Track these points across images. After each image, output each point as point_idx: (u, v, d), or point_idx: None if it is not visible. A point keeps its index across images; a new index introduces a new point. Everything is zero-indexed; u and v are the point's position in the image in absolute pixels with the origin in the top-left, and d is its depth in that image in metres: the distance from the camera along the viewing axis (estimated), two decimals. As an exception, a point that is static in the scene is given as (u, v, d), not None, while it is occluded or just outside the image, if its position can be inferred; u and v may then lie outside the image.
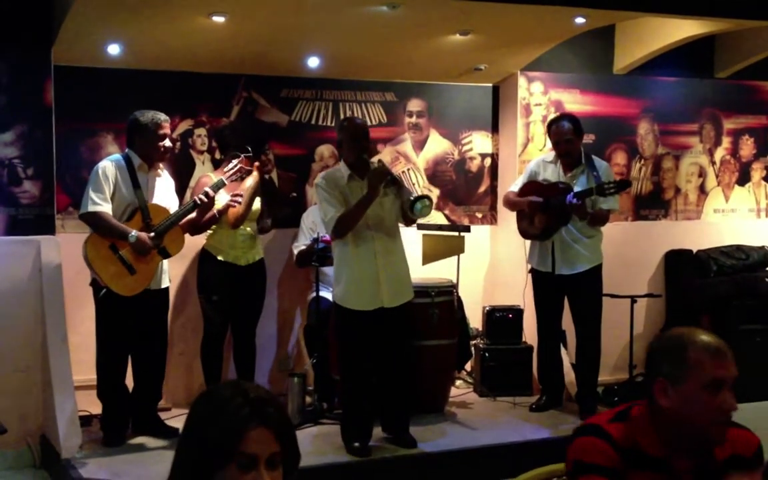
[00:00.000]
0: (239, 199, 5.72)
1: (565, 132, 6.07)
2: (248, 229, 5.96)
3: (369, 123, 6.74)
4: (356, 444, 5.29)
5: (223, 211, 5.71)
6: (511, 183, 6.54)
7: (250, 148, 5.95)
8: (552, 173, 6.15)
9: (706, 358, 2.28)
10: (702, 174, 7.82)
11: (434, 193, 7.06)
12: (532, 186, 6.17)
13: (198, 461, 1.77)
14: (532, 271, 6.31)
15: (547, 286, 6.20)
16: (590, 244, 6.11)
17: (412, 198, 5.21)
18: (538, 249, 6.21)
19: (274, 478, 1.77)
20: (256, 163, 5.92)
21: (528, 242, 6.34)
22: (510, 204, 6.35)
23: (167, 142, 5.49)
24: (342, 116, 6.76)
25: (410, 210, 5.17)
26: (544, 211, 6.03)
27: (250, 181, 5.82)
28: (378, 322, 5.26)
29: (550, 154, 6.28)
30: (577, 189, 5.91)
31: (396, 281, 5.31)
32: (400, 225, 5.45)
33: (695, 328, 2.40)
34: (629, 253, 7.33)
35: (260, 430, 1.75)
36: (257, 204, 5.95)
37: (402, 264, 5.40)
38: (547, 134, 6.42)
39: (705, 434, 2.30)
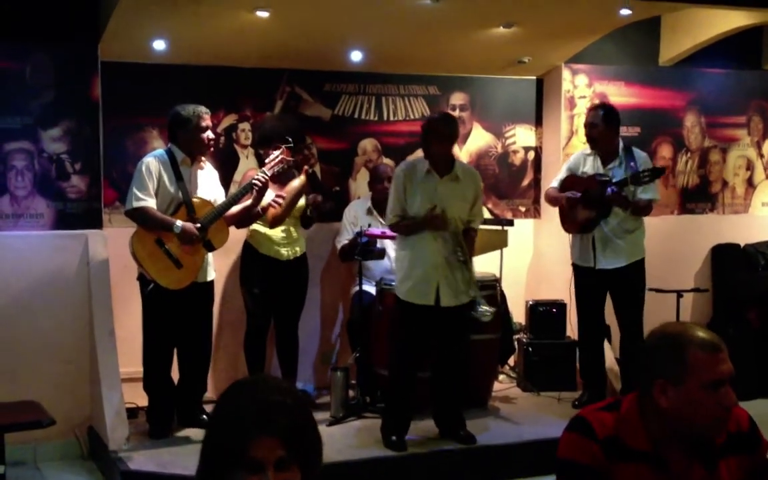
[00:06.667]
0: (281, 200, 5.73)
1: (589, 117, 6.06)
2: (291, 227, 5.98)
3: (411, 117, 6.75)
4: (393, 438, 5.30)
5: (266, 209, 5.73)
6: (555, 176, 6.49)
7: (291, 139, 5.96)
8: (591, 166, 6.12)
9: (704, 357, 2.26)
10: (750, 167, 7.71)
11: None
12: (572, 180, 6.14)
13: (211, 462, 1.80)
14: (574, 266, 6.27)
15: (588, 281, 6.15)
16: (631, 238, 6.05)
17: (477, 305, 5.37)
18: (579, 243, 6.17)
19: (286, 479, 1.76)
20: (305, 168, 5.93)
21: (571, 236, 6.30)
22: (551, 200, 6.35)
23: (209, 134, 5.50)
24: (385, 110, 6.81)
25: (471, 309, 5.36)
26: (585, 204, 5.99)
27: (296, 182, 5.83)
28: (436, 318, 5.25)
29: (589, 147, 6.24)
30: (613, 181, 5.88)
31: (456, 281, 5.29)
32: None
33: (688, 323, 2.37)
34: (675, 247, 7.25)
35: (264, 440, 1.74)
36: (301, 201, 5.96)
37: (464, 264, 5.36)
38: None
39: (705, 431, 2.30)
